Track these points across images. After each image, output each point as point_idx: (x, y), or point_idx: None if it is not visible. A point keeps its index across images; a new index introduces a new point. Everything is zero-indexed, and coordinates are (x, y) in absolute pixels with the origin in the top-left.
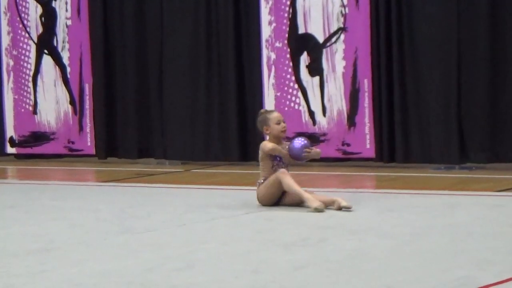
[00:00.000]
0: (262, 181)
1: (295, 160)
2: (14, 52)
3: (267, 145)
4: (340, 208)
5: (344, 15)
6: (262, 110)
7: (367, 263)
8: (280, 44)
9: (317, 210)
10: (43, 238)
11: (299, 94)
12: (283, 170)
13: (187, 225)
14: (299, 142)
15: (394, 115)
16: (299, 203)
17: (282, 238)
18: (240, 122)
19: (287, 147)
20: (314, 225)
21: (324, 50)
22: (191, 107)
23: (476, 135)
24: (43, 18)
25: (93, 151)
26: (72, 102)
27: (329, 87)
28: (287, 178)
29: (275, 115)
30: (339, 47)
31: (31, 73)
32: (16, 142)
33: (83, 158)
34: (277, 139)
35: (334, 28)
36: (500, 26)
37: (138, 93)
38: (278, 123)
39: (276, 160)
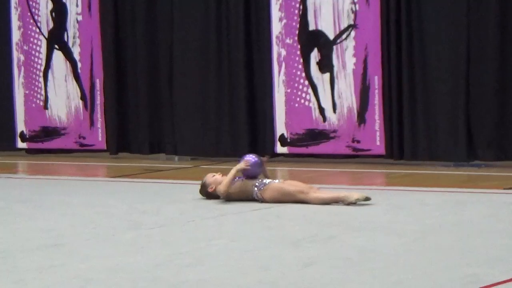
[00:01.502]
0: (258, 183)
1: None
2: (25, 47)
3: (220, 189)
4: (354, 202)
5: (355, 12)
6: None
7: (376, 260)
8: (291, 41)
9: (359, 200)
10: (52, 233)
11: (310, 90)
12: (294, 189)
13: (196, 221)
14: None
15: (403, 112)
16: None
17: (291, 235)
18: (250, 118)
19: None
20: (323, 222)
21: (334, 47)
22: (201, 103)
23: (484, 133)
24: (53, 13)
25: (104, 146)
26: (83, 97)
27: (340, 84)
28: (311, 195)
29: (207, 175)
30: (350, 44)
31: (42, 68)
32: (27, 137)
33: (94, 153)
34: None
35: (344, 25)
36: (509, 23)
37: (149, 88)
38: (214, 176)
39: (240, 178)
